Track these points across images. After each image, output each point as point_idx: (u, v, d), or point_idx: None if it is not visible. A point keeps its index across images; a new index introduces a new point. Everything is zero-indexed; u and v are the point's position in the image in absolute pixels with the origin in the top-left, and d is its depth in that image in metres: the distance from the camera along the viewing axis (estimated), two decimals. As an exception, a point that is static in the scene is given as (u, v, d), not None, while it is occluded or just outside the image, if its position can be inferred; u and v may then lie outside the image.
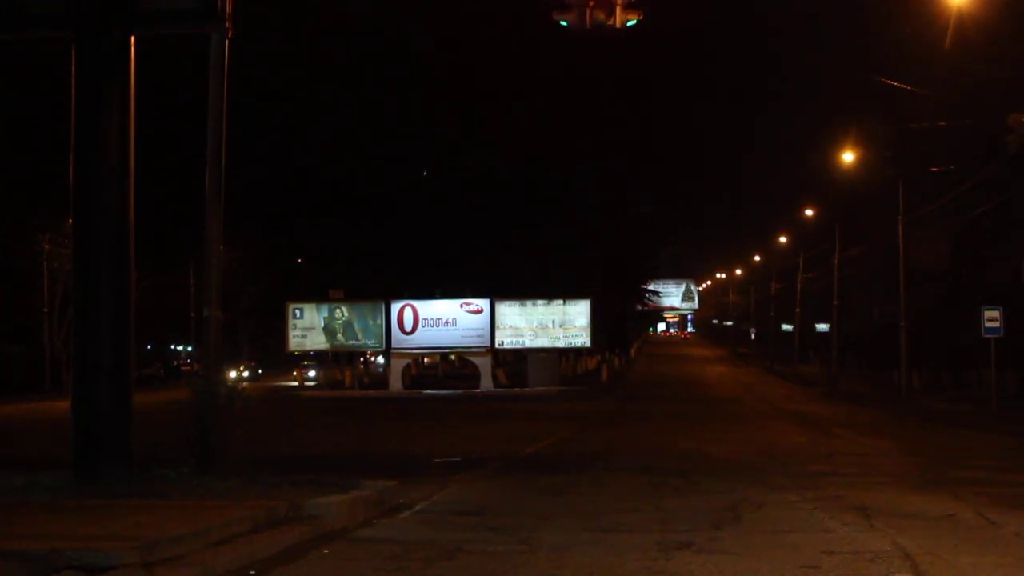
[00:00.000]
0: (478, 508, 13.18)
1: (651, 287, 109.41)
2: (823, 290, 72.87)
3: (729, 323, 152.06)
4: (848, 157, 49.97)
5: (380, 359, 70.36)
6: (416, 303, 57.07)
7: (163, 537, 9.17)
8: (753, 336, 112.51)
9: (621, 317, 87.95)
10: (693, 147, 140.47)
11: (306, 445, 23.88)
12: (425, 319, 56.20)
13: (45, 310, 60.70)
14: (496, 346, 56.77)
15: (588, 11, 15.29)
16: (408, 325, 56.09)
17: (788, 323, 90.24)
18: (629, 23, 15.44)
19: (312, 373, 67.44)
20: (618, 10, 15.30)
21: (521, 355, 62.13)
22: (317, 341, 57.43)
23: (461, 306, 56.57)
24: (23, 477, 12.75)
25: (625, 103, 79.71)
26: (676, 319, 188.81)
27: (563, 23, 15.49)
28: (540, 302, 56.45)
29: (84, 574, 8.30)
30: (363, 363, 70.50)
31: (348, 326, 56.84)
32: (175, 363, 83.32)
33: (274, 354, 69.11)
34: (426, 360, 69.19)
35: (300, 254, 76.58)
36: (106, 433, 12.87)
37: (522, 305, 56.40)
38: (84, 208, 13.32)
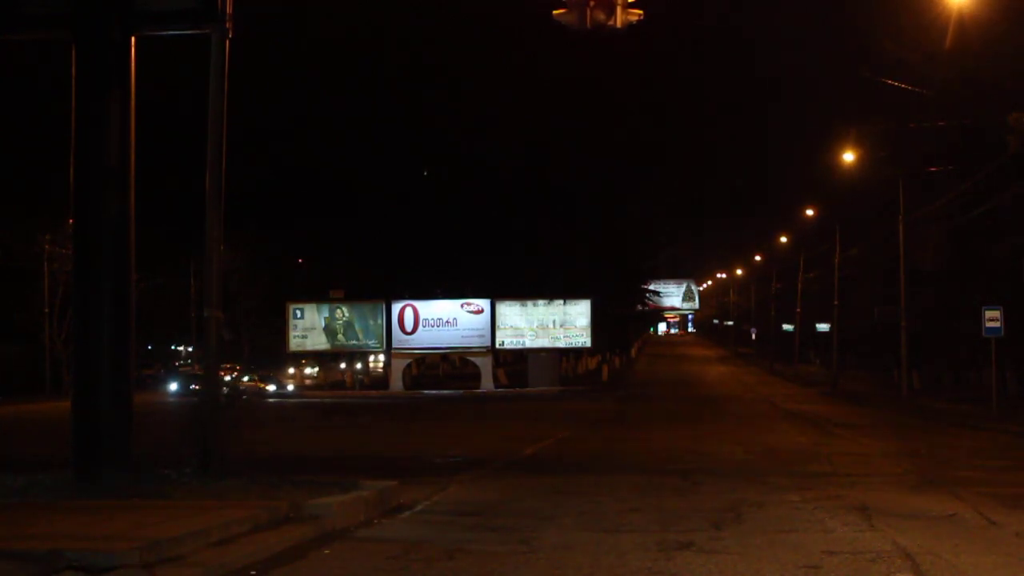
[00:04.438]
0: (478, 508, 13.18)
1: (651, 287, 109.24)
2: (823, 290, 72.80)
3: (730, 323, 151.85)
4: (848, 157, 49.94)
5: (357, 366, 70.81)
6: (417, 303, 57.08)
7: (163, 537, 9.16)
8: (754, 336, 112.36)
9: (622, 317, 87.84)
10: (694, 147, 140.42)
11: (307, 446, 23.86)
12: (426, 319, 56.20)
13: (45, 310, 60.64)
14: (497, 346, 56.76)
15: (588, 11, 15.25)
16: (409, 325, 56.10)
17: (789, 323, 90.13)
18: (630, 23, 15.41)
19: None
20: (618, 10, 15.26)
21: (521, 355, 62.12)
22: (318, 341, 57.41)
23: (462, 306, 56.57)
24: (23, 477, 12.75)
25: (625, 103, 79.69)
26: (677, 319, 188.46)
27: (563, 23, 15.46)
28: (541, 302, 56.44)
29: (84, 574, 8.29)
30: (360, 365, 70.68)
31: (349, 326, 56.83)
32: (175, 364, 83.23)
33: (273, 354, 69.01)
34: (427, 360, 69.19)
35: (300, 254, 76.51)
36: (106, 434, 12.86)
37: (523, 305, 56.39)
38: (84, 208, 13.31)
